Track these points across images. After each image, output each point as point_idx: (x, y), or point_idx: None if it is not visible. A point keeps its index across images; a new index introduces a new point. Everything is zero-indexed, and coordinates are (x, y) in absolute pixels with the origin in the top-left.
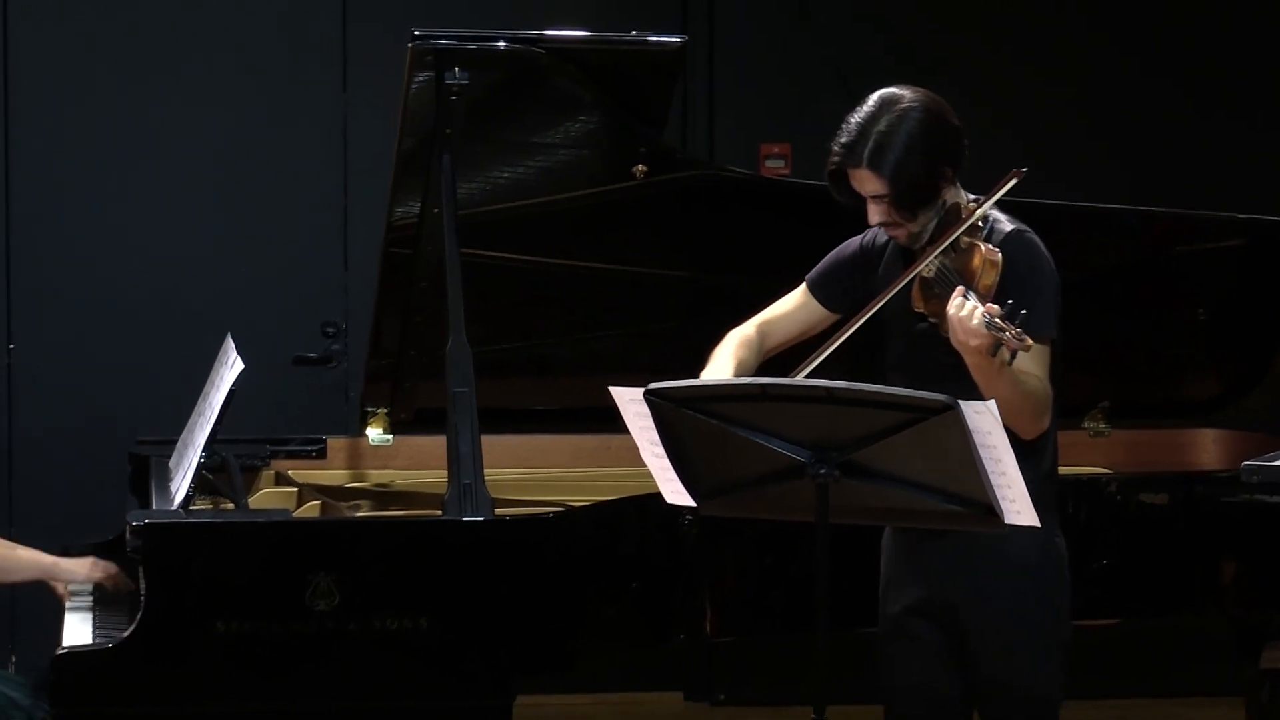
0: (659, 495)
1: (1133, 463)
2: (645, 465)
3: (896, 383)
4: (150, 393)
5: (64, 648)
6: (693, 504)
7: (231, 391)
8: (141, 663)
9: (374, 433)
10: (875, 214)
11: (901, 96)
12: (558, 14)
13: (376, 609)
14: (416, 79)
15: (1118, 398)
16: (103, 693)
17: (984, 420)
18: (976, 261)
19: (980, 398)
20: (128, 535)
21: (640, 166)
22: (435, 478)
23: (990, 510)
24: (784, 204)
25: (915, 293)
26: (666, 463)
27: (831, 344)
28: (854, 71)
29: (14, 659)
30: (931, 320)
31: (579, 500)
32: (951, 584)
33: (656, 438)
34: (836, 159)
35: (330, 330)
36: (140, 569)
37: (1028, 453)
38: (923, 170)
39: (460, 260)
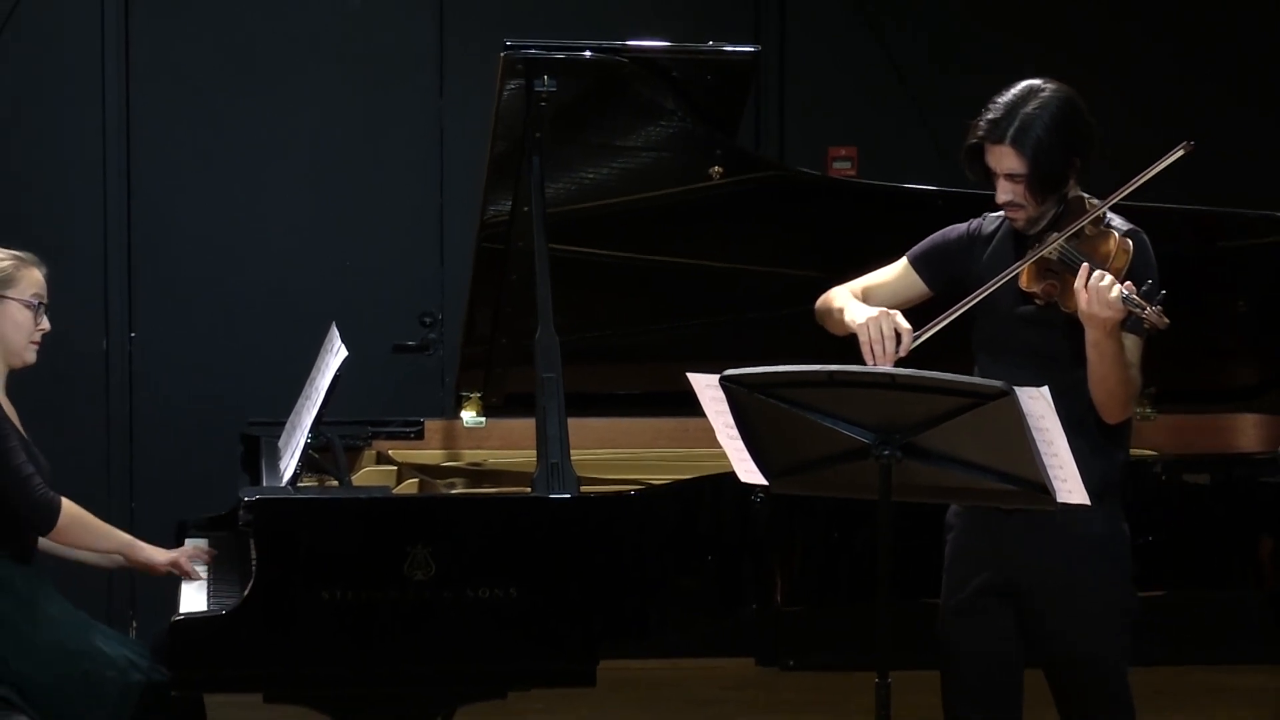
0: (733, 474)
1: (1177, 445)
2: (720, 446)
3: (983, 362)
4: (261, 377)
5: (180, 614)
6: (765, 482)
7: (336, 377)
8: (252, 628)
9: (468, 415)
10: (1005, 192)
11: (1046, 85)
12: (640, 25)
13: (470, 579)
14: (508, 86)
15: (1163, 384)
16: (215, 656)
17: (1037, 405)
18: (1110, 246)
19: (1052, 380)
20: (240, 510)
21: (716, 168)
22: (525, 457)
23: (1043, 488)
24: (850, 203)
25: (1026, 274)
26: (740, 444)
27: (949, 316)
28: (917, 78)
29: (135, 624)
30: (1038, 301)
31: (658, 479)
32: (1025, 561)
33: (731, 420)
34: (980, 133)
35: (427, 320)
36: (251, 541)
37: (1112, 439)
38: (1060, 156)
39: (548, 254)
